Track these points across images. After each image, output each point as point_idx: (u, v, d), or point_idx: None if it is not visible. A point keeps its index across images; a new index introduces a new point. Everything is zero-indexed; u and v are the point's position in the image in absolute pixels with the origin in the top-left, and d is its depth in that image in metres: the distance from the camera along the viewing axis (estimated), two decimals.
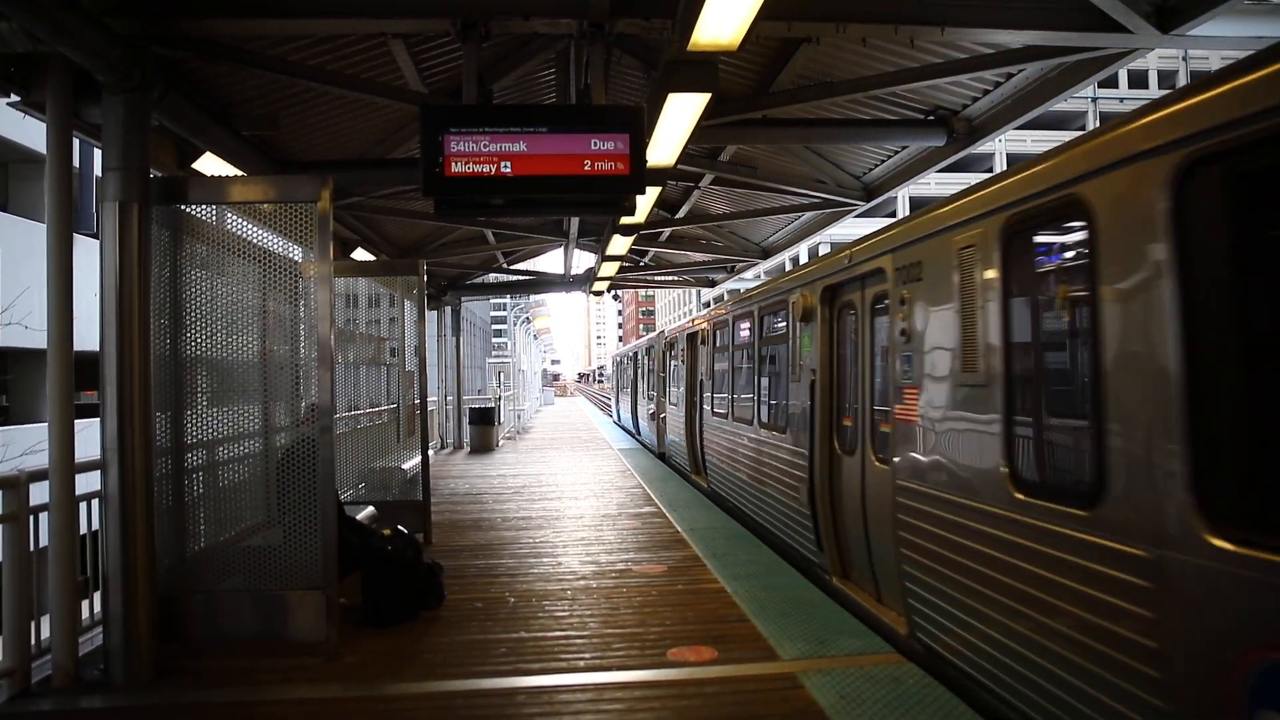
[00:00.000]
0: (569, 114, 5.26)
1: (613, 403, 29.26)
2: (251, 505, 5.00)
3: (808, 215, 11.37)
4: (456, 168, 4.61)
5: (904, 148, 8.23)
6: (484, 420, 17.23)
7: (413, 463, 8.61)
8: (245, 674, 4.43)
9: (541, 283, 17.83)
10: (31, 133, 15.34)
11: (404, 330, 9.08)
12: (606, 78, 5.31)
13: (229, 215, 4.93)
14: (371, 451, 8.61)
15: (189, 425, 4.82)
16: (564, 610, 5.50)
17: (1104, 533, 3.00)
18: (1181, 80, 47.05)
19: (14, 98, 4.55)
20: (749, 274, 17.61)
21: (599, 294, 18.81)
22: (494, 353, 55.49)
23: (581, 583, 6.17)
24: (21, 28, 4.00)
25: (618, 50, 6.05)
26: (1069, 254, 3.47)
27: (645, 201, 7.59)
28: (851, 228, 16.50)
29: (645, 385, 18.43)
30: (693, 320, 12.88)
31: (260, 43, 5.49)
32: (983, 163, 45.90)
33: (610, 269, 14.09)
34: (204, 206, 4.89)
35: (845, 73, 6.58)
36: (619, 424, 24.91)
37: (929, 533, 4.37)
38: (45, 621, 4.43)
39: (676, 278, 18.35)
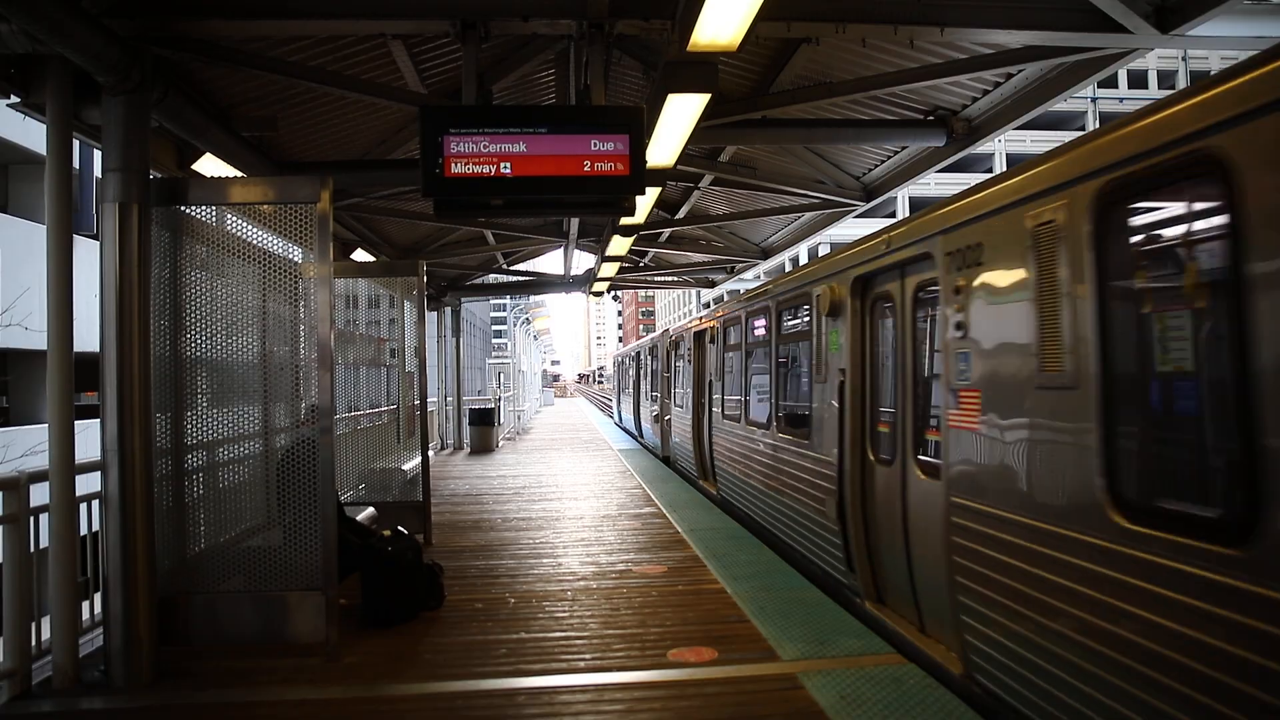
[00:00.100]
0: (568, 115, 5.26)
1: (614, 404, 28.84)
2: (251, 506, 5.01)
3: (807, 216, 11.38)
4: (456, 168, 4.61)
5: (904, 148, 8.23)
6: (484, 421, 17.22)
7: (413, 463, 8.62)
8: (245, 675, 4.43)
9: (541, 283, 17.83)
10: (32, 134, 15.38)
11: (404, 331, 9.07)
12: (606, 78, 5.31)
13: (229, 216, 4.94)
14: (371, 452, 8.60)
15: (189, 426, 4.83)
16: (564, 611, 5.50)
17: (1261, 579, 2.39)
18: (1181, 81, 47.06)
19: (14, 99, 4.55)
20: (749, 274, 17.61)
21: (599, 295, 18.79)
22: (494, 353, 55.47)
23: (582, 583, 6.17)
24: (21, 29, 4.00)
25: (617, 51, 6.05)
26: (1197, 225, 2.85)
27: (645, 202, 7.60)
28: (851, 228, 16.52)
29: (649, 386, 17.73)
30: (700, 317, 12.09)
31: (260, 44, 5.49)
32: (982, 163, 45.93)
33: (610, 270, 14.09)
34: (204, 207, 4.90)
35: (845, 73, 6.59)
36: (621, 426, 24.61)
37: (995, 560, 3.73)
38: (45, 623, 4.44)
39: (676, 278, 18.35)
